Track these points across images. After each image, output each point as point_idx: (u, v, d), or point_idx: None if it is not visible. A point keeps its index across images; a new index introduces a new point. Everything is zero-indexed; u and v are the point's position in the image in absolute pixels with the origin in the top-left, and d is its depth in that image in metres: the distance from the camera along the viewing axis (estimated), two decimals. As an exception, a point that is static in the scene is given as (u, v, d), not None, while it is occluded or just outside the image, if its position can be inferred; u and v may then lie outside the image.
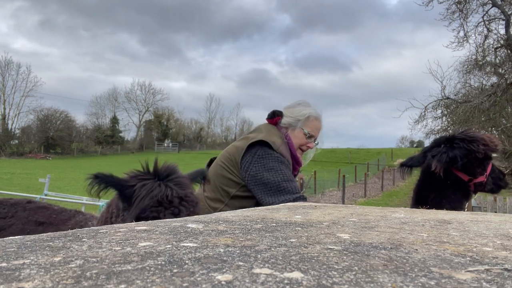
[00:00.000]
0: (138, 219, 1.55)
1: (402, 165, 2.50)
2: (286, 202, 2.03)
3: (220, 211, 2.28)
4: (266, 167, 2.23)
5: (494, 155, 2.42)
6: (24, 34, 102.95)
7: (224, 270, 0.51)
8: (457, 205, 2.25)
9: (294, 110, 2.51)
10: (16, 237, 0.76)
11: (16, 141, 54.48)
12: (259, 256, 0.60)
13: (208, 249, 0.65)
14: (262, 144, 2.31)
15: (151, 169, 1.74)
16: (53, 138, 54.26)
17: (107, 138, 60.48)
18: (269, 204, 2.13)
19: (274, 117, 2.49)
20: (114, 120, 64.41)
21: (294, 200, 2.15)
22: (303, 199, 2.20)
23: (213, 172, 2.45)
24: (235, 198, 2.35)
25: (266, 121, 2.56)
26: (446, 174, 2.29)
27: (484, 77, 17.37)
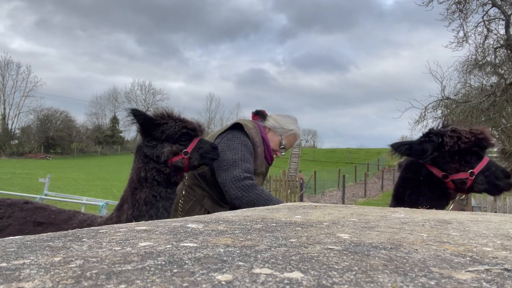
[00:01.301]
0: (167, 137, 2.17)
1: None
2: (236, 177, 2.29)
3: (200, 195, 2.50)
4: (230, 147, 2.44)
5: (491, 150, 2.19)
6: (21, 34, 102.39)
7: (224, 270, 0.51)
8: (435, 203, 2.10)
9: (283, 120, 2.75)
10: (16, 237, 0.76)
11: (16, 141, 54.44)
12: (259, 256, 0.60)
13: (208, 249, 0.65)
14: (234, 128, 2.55)
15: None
16: (53, 138, 54.26)
17: (107, 138, 60.44)
18: (222, 180, 2.36)
19: (255, 115, 2.80)
20: (114, 120, 64.29)
21: (244, 178, 2.31)
22: (251, 179, 2.34)
23: None
24: (212, 183, 2.50)
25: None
26: (418, 168, 2.19)
27: (484, 77, 17.38)
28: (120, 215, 2.16)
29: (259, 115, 2.79)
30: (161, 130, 2.18)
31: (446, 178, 2.12)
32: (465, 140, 2.10)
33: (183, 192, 2.51)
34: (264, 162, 2.64)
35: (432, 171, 2.16)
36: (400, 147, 2.16)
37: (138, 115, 2.21)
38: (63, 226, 2.15)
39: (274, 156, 2.72)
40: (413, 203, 2.06)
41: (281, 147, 2.70)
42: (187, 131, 2.22)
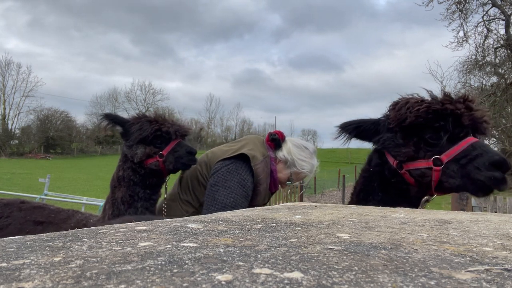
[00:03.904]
0: (140, 141, 2.18)
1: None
2: None
3: (193, 213, 2.33)
4: (225, 183, 2.21)
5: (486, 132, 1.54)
6: (17, 35, 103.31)
7: (224, 270, 0.51)
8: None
9: (298, 153, 2.48)
10: (16, 237, 0.76)
11: (16, 141, 54.50)
12: (259, 256, 0.60)
13: (208, 249, 0.65)
14: (240, 158, 2.29)
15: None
16: (53, 138, 54.30)
17: (107, 138, 60.40)
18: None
19: (272, 141, 2.48)
20: (114, 120, 64.27)
21: None
22: None
23: (190, 172, 2.48)
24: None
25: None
26: (371, 157, 1.70)
27: (484, 77, 17.39)
28: (104, 216, 2.20)
29: (275, 142, 2.47)
30: (134, 132, 2.20)
31: (401, 169, 1.51)
32: (421, 110, 1.43)
33: (165, 203, 2.40)
34: (267, 194, 2.46)
35: (388, 159, 1.59)
36: (347, 127, 1.67)
37: (109, 119, 2.27)
38: (62, 225, 2.18)
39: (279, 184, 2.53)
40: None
41: (287, 182, 2.53)
42: (161, 133, 2.20)
